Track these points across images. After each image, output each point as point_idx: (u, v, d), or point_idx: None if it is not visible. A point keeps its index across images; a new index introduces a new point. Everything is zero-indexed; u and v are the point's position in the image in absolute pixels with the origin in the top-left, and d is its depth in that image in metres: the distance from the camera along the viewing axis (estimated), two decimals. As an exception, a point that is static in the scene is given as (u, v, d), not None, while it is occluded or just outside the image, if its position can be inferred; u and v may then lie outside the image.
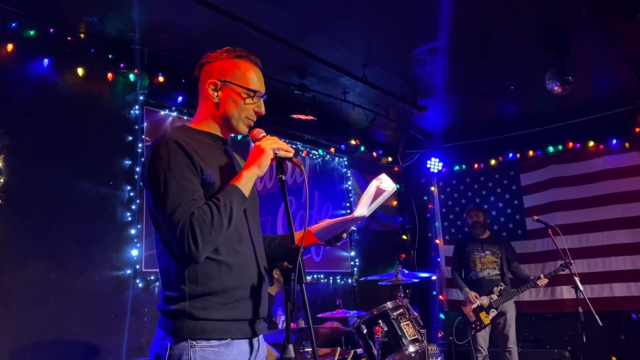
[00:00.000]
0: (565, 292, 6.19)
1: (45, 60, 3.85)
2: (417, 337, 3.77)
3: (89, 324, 3.82)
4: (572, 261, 4.80)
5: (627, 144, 6.13)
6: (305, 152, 6.13)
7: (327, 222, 1.99)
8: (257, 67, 1.93)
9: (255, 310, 1.80)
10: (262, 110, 1.93)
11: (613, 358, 5.94)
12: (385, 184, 1.91)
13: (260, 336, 1.87)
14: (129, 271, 4.11)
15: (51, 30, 3.84)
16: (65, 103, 3.97)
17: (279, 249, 2.06)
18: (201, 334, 1.68)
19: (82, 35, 4.00)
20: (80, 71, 4.05)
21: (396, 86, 5.47)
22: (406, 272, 4.45)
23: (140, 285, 4.15)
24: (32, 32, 3.75)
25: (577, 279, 4.57)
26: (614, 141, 6.21)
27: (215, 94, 1.87)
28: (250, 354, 1.80)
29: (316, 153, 6.29)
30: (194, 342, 1.67)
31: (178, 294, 1.70)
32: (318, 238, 2.01)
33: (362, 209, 1.91)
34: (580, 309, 4.46)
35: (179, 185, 1.67)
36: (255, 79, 1.90)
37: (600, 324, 4.40)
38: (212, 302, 1.70)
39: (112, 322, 3.95)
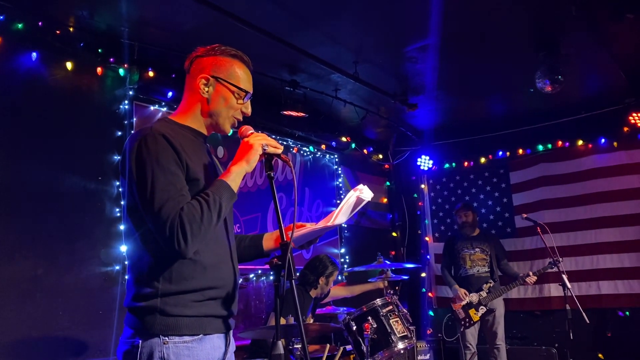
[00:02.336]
0: (553, 290, 6.24)
1: (34, 54, 3.81)
2: (406, 333, 3.78)
3: (77, 319, 3.79)
4: (560, 259, 4.84)
5: (615, 143, 6.18)
6: (296, 148, 6.12)
7: (306, 229, 1.99)
8: (248, 68, 1.94)
9: (228, 308, 1.80)
10: (249, 111, 1.94)
11: (600, 355, 6.00)
12: (365, 194, 1.96)
13: (230, 332, 1.87)
14: (117, 267, 4.08)
15: (39, 23, 3.80)
16: (54, 97, 3.93)
17: (248, 250, 2.06)
18: (174, 330, 1.67)
19: (71, 29, 3.96)
20: (69, 65, 4.00)
21: (387, 83, 5.47)
22: (388, 262, 4.46)
23: (129, 281, 4.13)
24: (20, 25, 3.70)
25: (565, 277, 4.61)
26: (603, 140, 6.26)
27: (207, 89, 1.86)
28: (224, 349, 1.80)
29: (307, 150, 6.29)
30: (167, 338, 1.66)
31: (150, 291, 1.68)
32: (297, 244, 2.02)
33: (342, 218, 1.94)
34: (568, 307, 4.51)
35: (167, 179, 1.66)
36: (246, 79, 1.91)
37: (587, 321, 4.45)
38: (184, 300, 1.69)
39: (100, 318, 3.93)
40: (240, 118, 1.93)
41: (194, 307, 1.70)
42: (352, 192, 1.96)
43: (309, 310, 4.47)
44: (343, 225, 6.58)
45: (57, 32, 3.90)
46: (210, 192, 1.69)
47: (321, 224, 1.98)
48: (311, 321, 4.36)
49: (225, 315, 1.80)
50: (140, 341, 1.68)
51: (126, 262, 4.12)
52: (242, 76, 1.89)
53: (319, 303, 4.73)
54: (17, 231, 3.57)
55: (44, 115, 3.84)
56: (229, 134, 1.99)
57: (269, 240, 2.06)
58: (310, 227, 1.99)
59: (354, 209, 1.96)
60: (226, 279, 1.80)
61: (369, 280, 4.78)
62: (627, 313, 5.97)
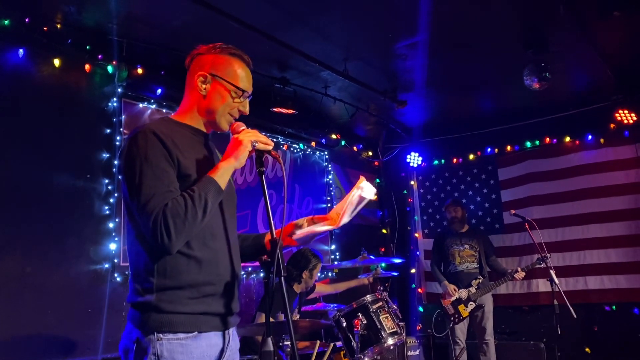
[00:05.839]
0: (541, 285, 6.29)
1: (21, 51, 3.77)
2: (395, 329, 3.80)
3: (66, 318, 3.77)
4: (548, 255, 4.88)
5: (602, 140, 6.24)
6: (286, 145, 6.12)
7: (311, 231, 1.99)
8: (248, 68, 1.94)
9: (227, 305, 1.80)
10: (247, 110, 1.94)
11: (587, 349, 6.07)
12: (366, 192, 1.96)
13: (232, 329, 1.86)
14: (106, 265, 4.06)
15: (26, 19, 3.76)
16: (42, 94, 3.89)
17: (251, 249, 2.06)
18: (168, 327, 1.67)
19: (58, 26, 3.93)
20: (56, 62, 3.97)
21: (377, 81, 5.48)
22: (372, 257, 4.48)
23: (118, 279, 4.11)
24: (6, 22, 3.66)
25: (552, 272, 4.64)
26: (590, 137, 6.31)
27: (204, 86, 1.87)
28: (222, 346, 1.79)
29: (297, 147, 6.29)
30: (161, 334, 1.66)
31: (146, 286, 1.70)
32: (300, 243, 2.03)
33: (346, 218, 1.95)
34: (556, 302, 4.55)
35: (155, 175, 1.67)
36: (245, 78, 1.91)
37: (575, 316, 4.49)
38: (179, 296, 1.69)
39: (89, 317, 3.91)
40: (237, 116, 1.92)
41: (189, 304, 1.70)
42: (354, 190, 1.96)
43: (293, 306, 4.47)
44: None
45: (45, 28, 3.86)
46: (195, 188, 1.70)
47: (324, 225, 1.98)
48: (297, 317, 4.36)
49: (223, 313, 1.79)
50: (137, 337, 1.69)
51: (115, 261, 4.11)
52: (240, 75, 1.89)
53: (304, 299, 4.74)
54: (4, 229, 3.54)
55: (32, 112, 3.81)
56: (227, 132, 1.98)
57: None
58: (313, 230, 1.99)
59: (357, 207, 1.96)
60: (223, 274, 1.80)
61: (358, 276, 4.80)
62: (614, 308, 6.04)
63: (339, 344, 4.06)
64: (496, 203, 6.90)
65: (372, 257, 4.49)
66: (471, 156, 7.15)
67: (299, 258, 4.50)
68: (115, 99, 4.32)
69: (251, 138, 1.79)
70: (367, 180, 2.01)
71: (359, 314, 3.72)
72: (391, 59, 5.02)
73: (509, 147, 6.88)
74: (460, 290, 5.55)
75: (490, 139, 6.94)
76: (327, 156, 6.76)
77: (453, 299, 5.54)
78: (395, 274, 4.74)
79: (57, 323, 3.72)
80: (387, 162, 7.65)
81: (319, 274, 4.71)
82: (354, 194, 1.94)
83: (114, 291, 4.06)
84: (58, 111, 3.97)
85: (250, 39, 4.19)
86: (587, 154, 6.32)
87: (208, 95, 1.87)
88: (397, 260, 4.76)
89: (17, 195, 3.64)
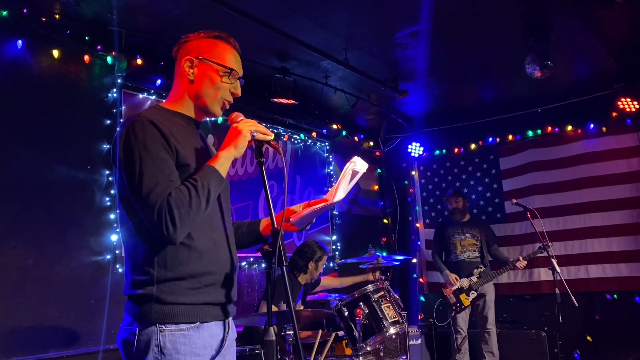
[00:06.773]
0: (543, 274, 6.29)
1: (19, 42, 3.76)
2: (397, 319, 3.81)
3: (68, 309, 3.78)
4: (549, 243, 4.88)
5: (604, 128, 6.22)
6: (286, 136, 6.10)
7: (307, 210, 1.98)
8: (235, 50, 1.91)
9: (227, 294, 1.80)
10: (239, 91, 1.90)
11: (588, 338, 6.08)
12: (359, 166, 1.95)
13: (230, 318, 1.86)
14: (108, 256, 4.07)
15: (25, 10, 3.74)
16: (41, 86, 3.88)
17: (246, 236, 2.07)
18: (170, 318, 1.66)
19: (57, 17, 3.90)
20: (55, 53, 3.96)
21: (378, 70, 5.45)
22: (378, 253, 4.50)
23: (120, 270, 4.11)
24: (4, 13, 3.64)
25: (554, 261, 4.65)
26: (592, 125, 6.29)
27: (191, 71, 1.85)
28: (222, 335, 1.79)
29: (298, 137, 6.27)
30: (163, 326, 1.65)
31: (146, 278, 1.68)
32: (297, 226, 2.02)
33: (341, 193, 1.93)
34: (557, 290, 4.56)
35: (155, 165, 1.64)
36: (232, 59, 1.88)
37: (576, 304, 4.50)
38: (180, 287, 1.68)
39: (91, 308, 3.92)
40: (231, 99, 1.90)
41: (190, 294, 1.69)
42: (347, 164, 1.96)
43: (298, 296, 4.48)
44: (334, 212, 6.59)
45: (43, 19, 3.84)
46: (198, 178, 1.68)
47: (319, 203, 1.98)
48: (301, 308, 4.37)
49: (223, 302, 1.79)
50: (138, 329, 1.68)
51: (117, 252, 4.11)
52: (227, 55, 1.87)
53: (309, 291, 4.75)
54: (6, 221, 3.54)
55: (31, 104, 3.80)
56: (220, 119, 1.97)
57: (266, 225, 2.07)
58: (310, 208, 1.99)
59: (350, 182, 1.96)
60: (223, 264, 1.80)
61: (360, 266, 4.81)
62: (615, 296, 6.05)
63: (341, 333, 4.07)
64: (498, 192, 6.90)
65: (378, 253, 4.51)
66: (473, 146, 7.13)
67: (304, 249, 4.51)
68: (115, 90, 4.30)
69: (250, 127, 1.78)
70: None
71: (361, 304, 3.72)
72: (392, 48, 5.00)
73: (510, 137, 6.86)
74: (461, 280, 5.56)
75: (491, 128, 6.91)
76: (328, 147, 6.74)
77: (454, 288, 5.56)
78: (397, 263, 4.75)
79: (59, 314, 3.73)
80: (388, 153, 7.64)
81: (324, 266, 4.72)
82: (347, 168, 1.94)
83: (115, 282, 4.06)
84: (57, 102, 3.96)
85: (250, 29, 4.16)
86: (589, 143, 6.30)
87: (196, 79, 1.84)
88: (400, 257, 4.77)
89: (18, 188, 3.64)
